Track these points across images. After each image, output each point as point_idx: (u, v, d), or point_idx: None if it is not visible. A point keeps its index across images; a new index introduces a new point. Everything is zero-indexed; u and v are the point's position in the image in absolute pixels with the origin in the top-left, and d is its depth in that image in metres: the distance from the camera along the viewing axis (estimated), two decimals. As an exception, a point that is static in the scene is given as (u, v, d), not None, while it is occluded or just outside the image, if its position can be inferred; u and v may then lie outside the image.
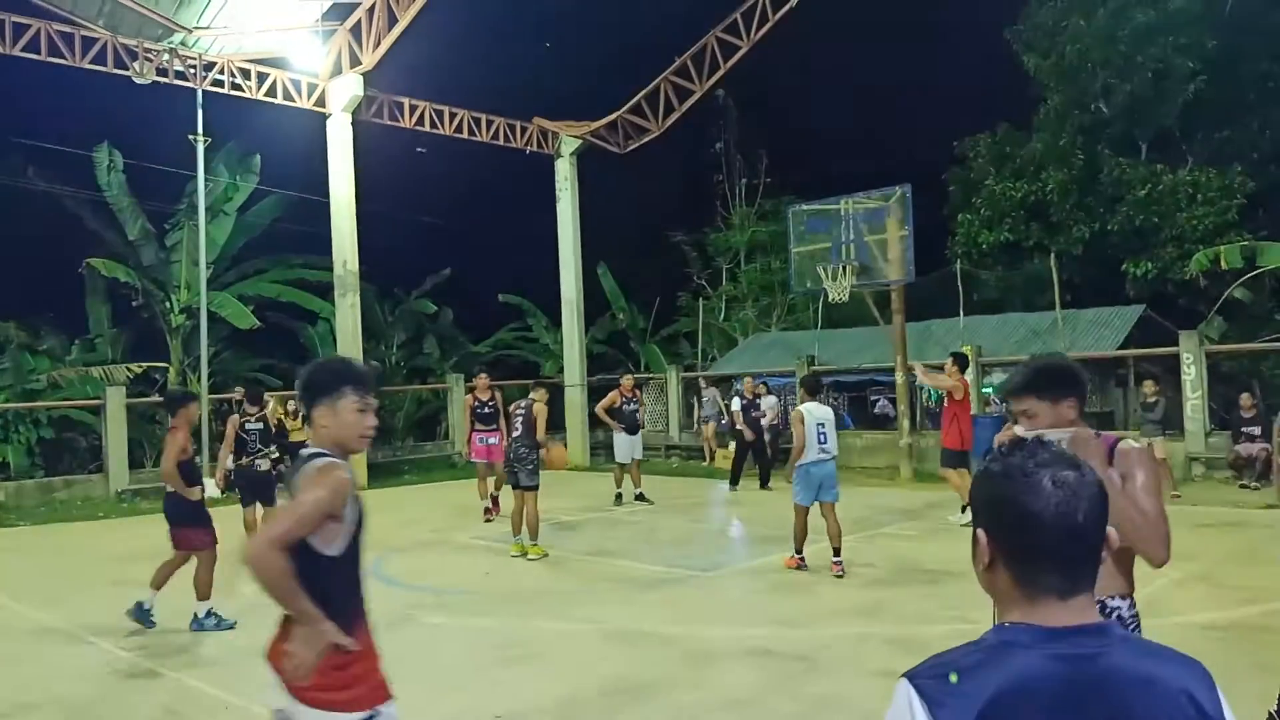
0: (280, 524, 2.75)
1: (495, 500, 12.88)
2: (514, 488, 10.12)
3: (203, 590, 7.42)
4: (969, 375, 12.98)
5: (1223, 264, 16.80)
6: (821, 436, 8.82)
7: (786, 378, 19.91)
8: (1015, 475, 1.42)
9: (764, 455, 16.16)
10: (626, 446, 14.08)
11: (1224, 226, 20.35)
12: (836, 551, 8.73)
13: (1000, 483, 1.43)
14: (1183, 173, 21.49)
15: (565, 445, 20.04)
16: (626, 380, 14.59)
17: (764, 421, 16.60)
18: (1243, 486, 13.36)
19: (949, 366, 12.03)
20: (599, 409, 14.55)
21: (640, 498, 14.02)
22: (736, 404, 16.76)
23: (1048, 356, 3.14)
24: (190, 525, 7.52)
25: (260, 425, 10.40)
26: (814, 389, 9.55)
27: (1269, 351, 18.32)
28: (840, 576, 8.56)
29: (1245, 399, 14.15)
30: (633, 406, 14.36)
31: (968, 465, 11.49)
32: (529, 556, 9.87)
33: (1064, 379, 2.91)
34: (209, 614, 7.43)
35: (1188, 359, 14.83)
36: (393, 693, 2.89)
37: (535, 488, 9.96)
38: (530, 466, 9.94)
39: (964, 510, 10.97)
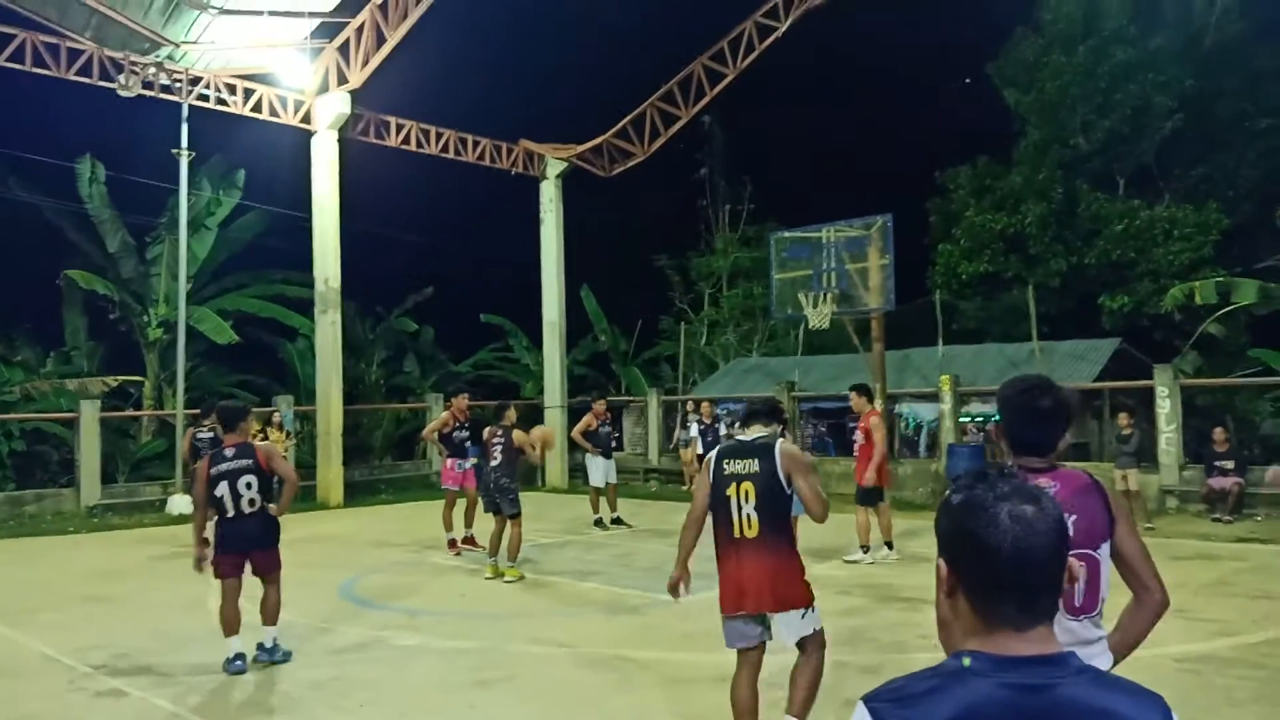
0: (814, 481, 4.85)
1: (470, 539, 11.72)
2: (494, 514, 10.08)
3: (274, 615, 6.86)
4: (880, 406, 11.88)
5: (1197, 299, 17.02)
6: None
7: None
8: (974, 508, 1.44)
9: None
10: (601, 470, 14.03)
11: (1199, 262, 20.65)
12: None
13: (960, 515, 1.46)
14: (1159, 208, 21.80)
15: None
16: (599, 404, 14.48)
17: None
18: (1215, 520, 13.47)
19: (854, 399, 11.07)
20: (575, 433, 14.44)
21: (618, 521, 13.98)
22: (695, 429, 16.87)
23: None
24: (276, 546, 6.93)
25: (211, 434, 11.38)
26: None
27: (1242, 386, 18.57)
28: None
29: (1219, 433, 14.30)
30: (606, 429, 14.36)
31: (873, 503, 10.82)
32: (505, 579, 9.81)
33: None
34: (274, 643, 6.85)
35: (1162, 392, 15.00)
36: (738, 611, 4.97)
37: (518, 514, 9.93)
38: (511, 496, 9.90)
39: (864, 550, 10.71)
